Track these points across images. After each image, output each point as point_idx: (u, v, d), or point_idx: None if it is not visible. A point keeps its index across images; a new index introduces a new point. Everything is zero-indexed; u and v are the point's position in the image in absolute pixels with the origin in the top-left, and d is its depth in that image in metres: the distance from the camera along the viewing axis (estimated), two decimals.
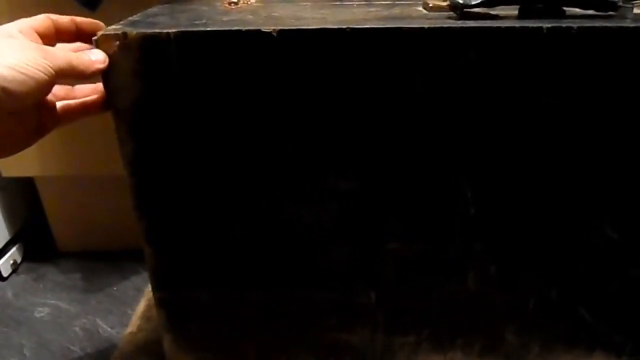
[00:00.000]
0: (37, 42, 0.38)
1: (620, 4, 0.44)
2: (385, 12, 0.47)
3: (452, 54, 0.40)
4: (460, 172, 0.45)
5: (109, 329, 0.82)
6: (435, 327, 0.52)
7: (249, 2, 0.53)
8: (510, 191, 0.46)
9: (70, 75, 0.37)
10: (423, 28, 0.39)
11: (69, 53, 0.38)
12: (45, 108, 0.42)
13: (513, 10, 0.45)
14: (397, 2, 0.52)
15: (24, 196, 1.01)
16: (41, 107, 0.41)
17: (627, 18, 0.43)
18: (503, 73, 0.41)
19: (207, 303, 0.51)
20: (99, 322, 0.83)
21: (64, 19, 0.41)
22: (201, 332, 0.52)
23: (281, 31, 0.39)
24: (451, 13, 0.45)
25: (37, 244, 1.02)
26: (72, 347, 0.78)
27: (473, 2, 0.43)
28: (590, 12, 0.45)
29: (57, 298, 0.90)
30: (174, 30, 0.39)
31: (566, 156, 0.44)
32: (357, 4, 0.52)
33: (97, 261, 0.98)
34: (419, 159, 0.44)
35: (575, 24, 0.39)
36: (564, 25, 0.39)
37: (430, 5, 0.47)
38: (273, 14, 0.47)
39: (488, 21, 0.41)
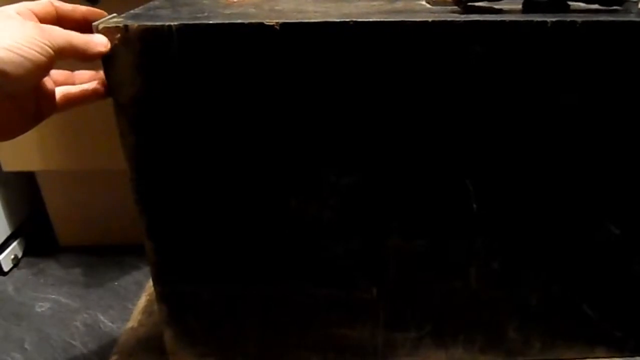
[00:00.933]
0: None
1: None
2: (389, 6, 0.47)
3: (456, 48, 0.40)
4: (462, 168, 0.45)
5: (109, 324, 0.82)
6: (437, 322, 0.52)
7: None
8: (512, 187, 0.46)
9: (71, 54, 0.36)
10: (427, 22, 0.39)
11: (69, 32, 0.36)
12: (44, 92, 0.40)
13: (517, 5, 0.45)
14: None
15: (25, 191, 1.01)
16: (40, 91, 0.40)
17: (631, 12, 0.43)
18: (506, 67, 0.41)
19: (208, 298, 0.51)
20: (100, 316, 0.84)
21: (67, 6, 0.40)
22: (202, 327, 0.52)
23: (284, 25, 0.39)
24: (455, 7, 0.45)
25: (38, 239, 1.02)
26: (72, 342, 0.78)
27: None
28: (595, 6, 0.44)
29: (58, 293, 0.90)
30: (175, 23, 0.38)
31: (569, 151, 0.44)
32: None
33: (98, 256, 0.99)
34: (422, 154, 0.44)
35: (579, 18, 0.39)
36: (568, 19, 0.39)
37: None
38: (275, 7, 0.47)
39: (492, 15, 0.41)
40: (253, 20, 0.39)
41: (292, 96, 0.41)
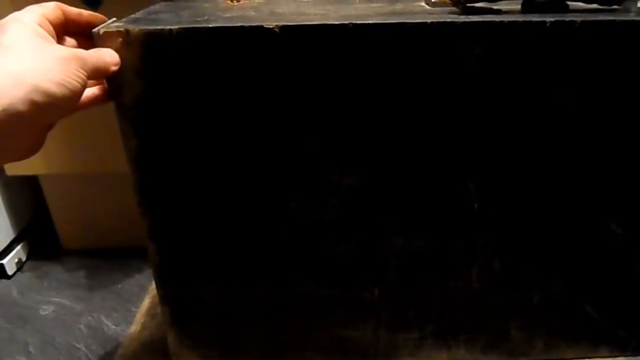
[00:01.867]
0: (54, 37, 0.37)
1: None
2: (388, 8, 0.47)
3: (455, 49, 0.40)
4: (463, 168, 0.45)
5: (113, 327, 0.82)
6: (439, 323, 0.52)
7: None
8: (513, 186, 0.46)
9: (95, 78, 0.38)
10: (426, 23, 0.39)
11: (93, 55, 0.37)
12: None
13: (516, 5, 0.45)
14: None
15: (29, 194, 1.01)
16: None
17: (631, 12, 0.43)
18: (506, 67, 0.41)
19: (211, 300, 0.51)
20: (104, 319, 0.84)
21: (73, 11, 0.40)
22: (205, 329, 0.53)
23: (284, 27, 0.39)
24: (454, 8, 0.45)
25: (41, 242, 1.03)
26: (76, 345, 0.79)
27: None
28: (594, 6, 0.44)
29: (62, 296, 0.90)
30: (176, 27, 0.39)
31: (570, 151, 0.44)
32: (359, 0, 0.52)
33: (102, 259, 0.99)
34: (423, 154, 0.44)
35: (578, 18, 0.39)
36: (567, 19, 0.39)
37: (433, 0, 0.47)
38: (275, 10, 0.47)
39: (491, 16, 0.41)
40: (253, 23, 0.39)
41: (293, 98, 0.42)
